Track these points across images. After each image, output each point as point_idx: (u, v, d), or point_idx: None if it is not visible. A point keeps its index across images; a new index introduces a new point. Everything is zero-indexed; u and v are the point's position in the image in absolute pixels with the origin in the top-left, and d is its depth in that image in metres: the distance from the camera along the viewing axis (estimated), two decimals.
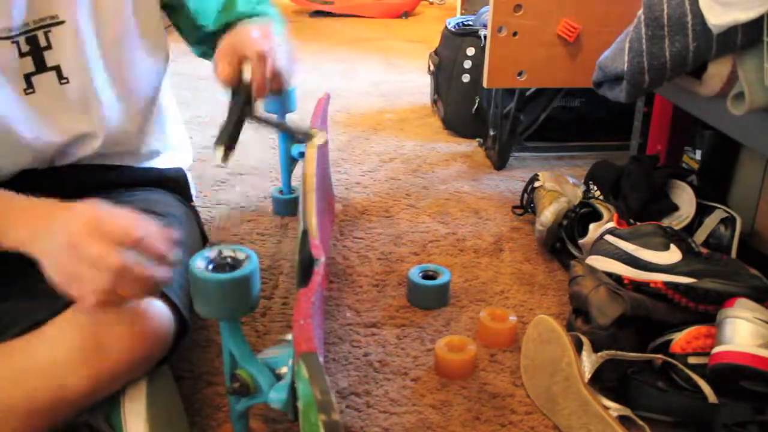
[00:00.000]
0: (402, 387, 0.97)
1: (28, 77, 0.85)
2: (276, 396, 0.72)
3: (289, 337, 0.79)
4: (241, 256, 0.72)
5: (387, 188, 1.61)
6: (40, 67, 0.86)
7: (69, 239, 0.66)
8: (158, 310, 0.77)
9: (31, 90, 0.85)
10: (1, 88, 0.83)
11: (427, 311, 1.14)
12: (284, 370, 0.75)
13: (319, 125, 1.22)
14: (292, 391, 0.71)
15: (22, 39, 0.83)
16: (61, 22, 0.85)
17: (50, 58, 0.86)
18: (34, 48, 0.85)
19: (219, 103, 2.23)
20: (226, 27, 0.98)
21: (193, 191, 1.16)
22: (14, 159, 0.88)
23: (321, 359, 0.67)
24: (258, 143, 1.86)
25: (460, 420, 0.91)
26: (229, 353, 0.76)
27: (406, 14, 3.90)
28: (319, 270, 0.80)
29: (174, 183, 1.06)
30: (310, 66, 2.71)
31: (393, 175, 1.69)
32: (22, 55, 0.84)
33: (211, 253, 0.72)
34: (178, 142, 1.14)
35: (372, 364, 1.01)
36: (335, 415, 0.58)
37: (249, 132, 1.99)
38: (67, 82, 0.88)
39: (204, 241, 1.12)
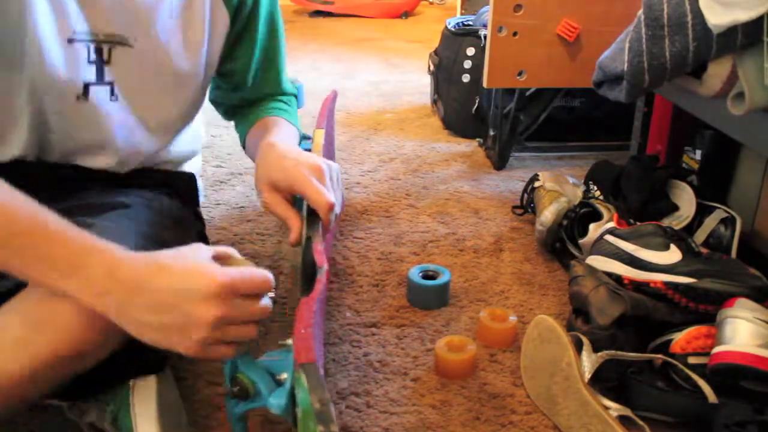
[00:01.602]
0: (402, 387, 0.97)
1: (86, 86, 0.86)
2: (275, 402, 0.72)
3: (290, 341, 0.79)
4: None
5: (387, 188, 1.61)
6: (99, 79, 0.87)
7: (213, 318, 0.65)
8: None
9: (84, 98, 0.86)
10: (60, 85, 0.84)
11: (427, 311, 1.14)
12: (284, 375, 0.75)
13: (325, 124, 1.22)
14: (292, 397, 0.71)
15: (92, 46, 0.85)
16: (129, 45, 0.87)
17: (108, 73, 0.87)
18: (99, 59, 0.86)
19: None
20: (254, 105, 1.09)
21: (200, 192, 1.15)
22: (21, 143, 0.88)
23: (321, 365, 0.67)
24: None
25: (460, 420, 0.91)
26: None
27: (406, 14, 3.90)
28: (321, 278, 0.80)
29: (181, 187, 1.06)
30: (310, 66, 2.71)
31: (393, 175, 1.69)
32: (89, 62, 0.85)
33: None
34: (192, 148, 1.13)
35: (372, 364, 1.01)
36: (333, 426, 0.59)
37: None
38: (116, 100, 0.89)
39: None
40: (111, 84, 0.88)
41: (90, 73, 0.86)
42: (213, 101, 1.14)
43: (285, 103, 1.12)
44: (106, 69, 0.87)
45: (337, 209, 0.89)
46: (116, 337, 0.75)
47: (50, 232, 0.67)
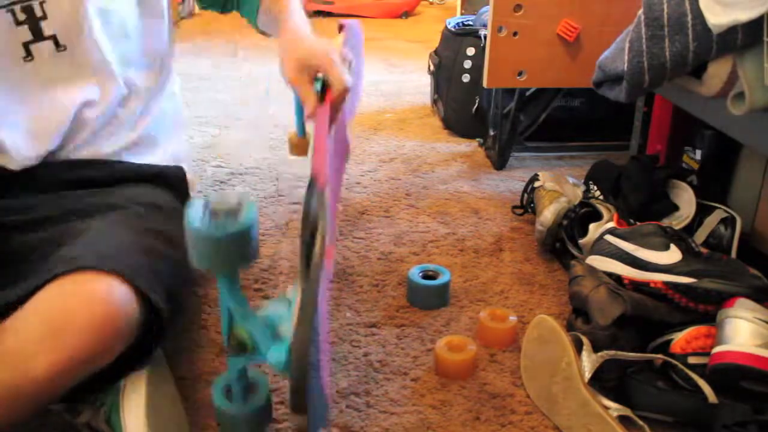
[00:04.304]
0: (402, 387, 0.97)
1: (26, 45, 0.90)
2: (275, 356, 0.70)
3: (290, 293, 0.77)
4: (236, 204, 0.67)
5: (387, 188, 1.61)
6: (38, 36, 0.91)
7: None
8: (121, 295, 0.75)
9: (29, 57, 0.90)
10: (1, 56, 0.88)
11: (427, 311, 1.14)
12: (284, 328, 0.72)
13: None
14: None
15: (17, 8, 0.88)
16: None
17: (47, 28, 0.91)
18: (30, 17, 0.90)
19: (218, 102, 2.23)
20: None
21: (190, 188, 1.14)
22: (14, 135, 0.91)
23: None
24: (258, 143, 1.86)
25: (460, 420, 0.91)
26: (227, 310, 0.72)
27: (406, 14, 3.90)
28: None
29: (171, 180, 1.06)
30: None
31: (393, 175, 1.69)
32: (18, 23, 0.89)
33: (206, 203, 0.67)
34: (179, 146, 1.13)
35: (372, 364, 1.01)
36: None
37: (249, 131, 1.99)
38: (65, 50, 0.92)
39: None
40: (53, 37, 0.91)
41: (24, 34, 0.90)
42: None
43: None
44: (44, 24, 0.90)
45: (357, 93, 1.02)
46: (125, 339, 0.76)
47: None
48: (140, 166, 1.03)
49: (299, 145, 1.43)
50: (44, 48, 0.91)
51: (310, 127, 0.98)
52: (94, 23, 0.93)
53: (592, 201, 1.25)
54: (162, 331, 0.83)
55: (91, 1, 0.93)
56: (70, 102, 0.94)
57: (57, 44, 0.92)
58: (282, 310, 0.75)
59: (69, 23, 0.92)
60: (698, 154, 1.35)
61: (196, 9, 3.33)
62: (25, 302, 0.73)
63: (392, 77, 2.60)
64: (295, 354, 0.63)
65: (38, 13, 0.90)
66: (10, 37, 0.89)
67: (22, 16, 0.89)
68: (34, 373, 0.69)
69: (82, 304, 0.72)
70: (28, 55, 0.90)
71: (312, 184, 0.75)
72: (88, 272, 0.75)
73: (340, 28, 1.35)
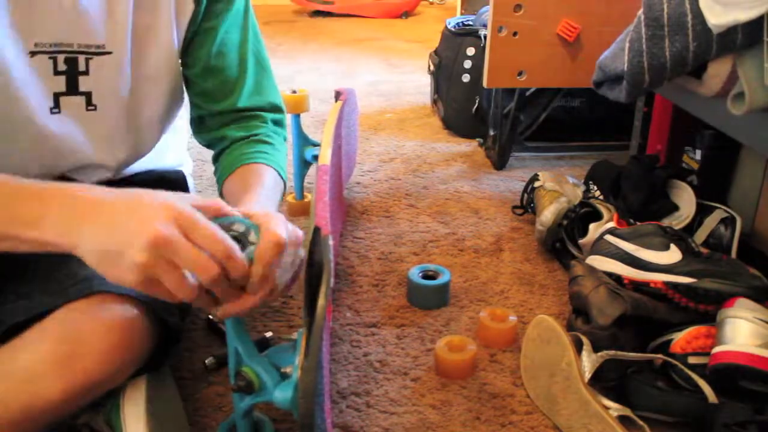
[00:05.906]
0: (402, 387, 0.97)
1: (56, 96, 0.84)
2: (281, 395, 0.72)
3: (294, 336, 0.79)
4: (252, 237, 0.69)
5: (387, 188, 1.61)
6: (72, 89, 0.85)
7: (155, 238, 0.60)
8: (137, 321, 0.75)
9: (56, 110, 0.85)
10: (30, 99, 0.82)
11: (427, 311, 1.14)
12: (289, 368, 0.75)
13: (335, 128, 1.21)
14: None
15: (60, 57, 0.83)
16: (107, 53, 0.86)
17: (84, 84, 0.86)
18: (71, 69, 0.84)
19: None
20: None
21: (192, 191, 1.15)
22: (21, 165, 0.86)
23: (326, 365, 0.68)
24: None
25: (460, 420, 0.91)
26: (235, 350, 0.75)
27: (406, 14, 3.90)
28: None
29: (171, 184, 1.06)
30: (310, 66, 2.71)
31: (393, 175, 1.69)
32: (56, 73, 0.83)
33: None
34: (177, 157, 1.13)
35: (372, 364, 1.01)
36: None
37: None
38: (94, 110, 0.88)
39: None
40: (87, 94, 0.86)
41: (59, 84, 0.84)
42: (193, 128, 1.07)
43: (268, 140, 0.99)
44: (82, 79, 0.85)
45: (352, 159, 0.91)
46: (139, 362, 0.76)
47: (9, 188, 0.65)
48: (141, 172, 1.03)
49: (297, 207, 1.47)
50: (74, 103, 0.86)
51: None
52: (128, 94, 0.90)
53: (592, 201, 1.25)
54: (173, 347, 0.83)
55: (134, 69, 0.89)
56: (78, 160, 0.90)
57: (89, 102, 0.87)
58: (286, 353, 0.78)
59: (109, 86, 0.87)
60: (698, 154, 1.35)
61: None
62: (38, 320, 0.72)
63: (392, 77, 2.60)
64: (302, 401, 0.66)
65: (81, 67, 0.84)
66: (43, 84, 0.83)
67: (62, 66, 0.83)
68: (48, 395, 0.68)
69: (98, 329, 0.72)
70: (56, 107, 0.85)
71: (317, 232, 0.78)
72: (104, 295, 0.74)
73: (338, 95, 1.37)
